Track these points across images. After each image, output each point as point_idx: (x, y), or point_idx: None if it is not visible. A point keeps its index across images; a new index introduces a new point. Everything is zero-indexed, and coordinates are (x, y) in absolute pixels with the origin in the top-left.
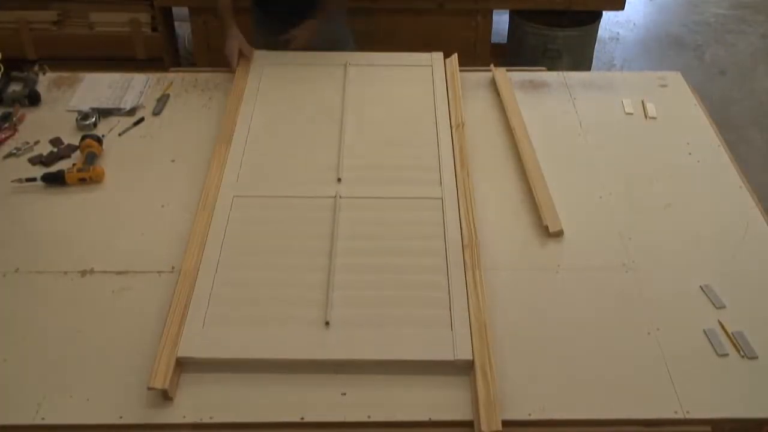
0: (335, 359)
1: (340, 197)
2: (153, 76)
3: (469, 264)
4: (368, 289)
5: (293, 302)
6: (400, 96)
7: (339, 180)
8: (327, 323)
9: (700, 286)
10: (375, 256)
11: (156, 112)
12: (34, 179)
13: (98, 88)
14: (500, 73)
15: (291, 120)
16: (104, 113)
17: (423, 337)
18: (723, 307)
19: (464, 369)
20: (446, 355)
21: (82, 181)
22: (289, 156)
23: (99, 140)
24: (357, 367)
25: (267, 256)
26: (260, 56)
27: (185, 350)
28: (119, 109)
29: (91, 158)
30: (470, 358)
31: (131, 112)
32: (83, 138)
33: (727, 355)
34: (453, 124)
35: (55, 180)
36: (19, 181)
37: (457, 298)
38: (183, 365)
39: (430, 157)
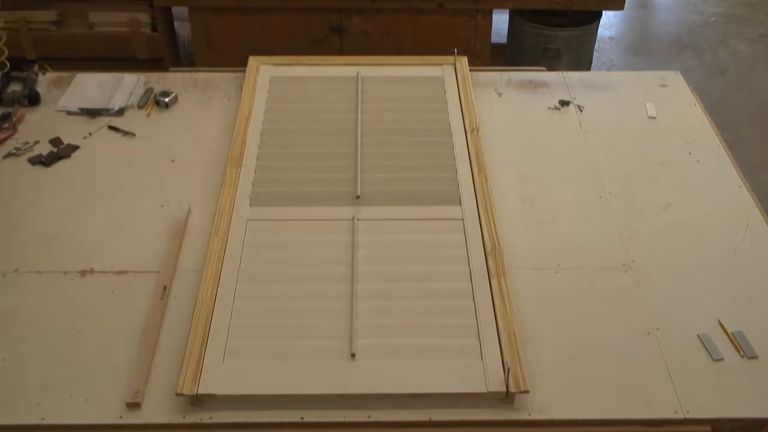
0: (363, 393)
1: (358, 219)
2: (143, 76)
3: (494, 271)
4: (393, 316)
5: (316, 332)
6: (413, 108)
7: (357, 197)
8: (353, 355)
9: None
10: (397, 281)
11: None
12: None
13: (88, 87)
14: (461, 65)
15: (304, 136)
16: (92, 113)
17: (453, 368)
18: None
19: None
20: (478, 388)
21: None
22: (304, 174)
23: None
24: (386, 400)
25: (285, 283)
26: (266, 70)
27: (206, 387)
28: (108, 110)
29: None
30: (503, 390)
31: (120, 112)
32: None
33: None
34: (467, 128)
35: None
36: None
37: (486, 325)
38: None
39: (448, 166)
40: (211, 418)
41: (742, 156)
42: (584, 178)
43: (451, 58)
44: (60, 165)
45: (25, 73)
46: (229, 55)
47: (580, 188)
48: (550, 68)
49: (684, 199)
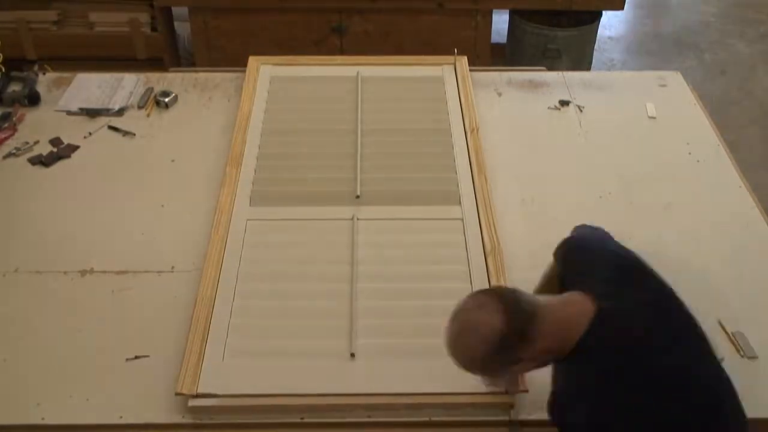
0: (363, 393)
1: (358, 219)
2: (143, 76)
3: (493, 271)
4: (393, 316)
5: (316, 332)
6: (413, 107)
7: (357, 197)
8: (353, 355)
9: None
10: (397, 281)
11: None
12: None
13: (88, 88)
14: (461, 65)
15: (304, 136)
16: (92, 113)
17: (453, 368)
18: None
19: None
20: (478, 388)
21: None
22: (304, 174)
23: None
24: (385, 400)
25: (285, 283)
26: (266, 70)
27: (205, 386)
28: (108, 110)
29: None
30: (502, 389)
31: (120, 112)
32: None
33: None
34: (467, 128)
35: None
36: None
37: None
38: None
39: (448, 166)
40: (211, 417)
41: (742, 156)
42: (584, 178)
43: (451, 58)
44: (60, 165)
45: (25, 73)
46: (229, 55)
47: (580, 188)
48: (550, 68)
49: (684, 199)
